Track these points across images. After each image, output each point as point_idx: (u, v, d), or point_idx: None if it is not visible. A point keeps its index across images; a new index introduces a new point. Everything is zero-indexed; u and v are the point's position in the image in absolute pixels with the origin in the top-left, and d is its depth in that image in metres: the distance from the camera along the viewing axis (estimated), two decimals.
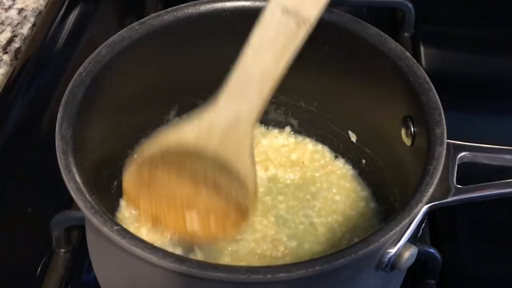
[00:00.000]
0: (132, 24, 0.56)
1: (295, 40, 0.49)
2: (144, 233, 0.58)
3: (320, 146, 0.66)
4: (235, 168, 0.51)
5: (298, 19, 0.48)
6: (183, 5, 0.58)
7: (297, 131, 0.67)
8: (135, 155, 0.53)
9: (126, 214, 0.60)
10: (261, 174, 0.62)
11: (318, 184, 0.63)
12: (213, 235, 0.53)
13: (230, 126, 0.50)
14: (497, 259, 0.65)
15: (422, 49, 0.82)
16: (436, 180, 0.47)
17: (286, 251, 0.57)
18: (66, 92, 0.51)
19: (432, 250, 0.60)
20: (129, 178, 0.52)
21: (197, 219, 0.53)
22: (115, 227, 0.44)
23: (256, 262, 0.55)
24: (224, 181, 0.52)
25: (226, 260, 0.55)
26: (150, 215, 0.53)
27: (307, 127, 0.66)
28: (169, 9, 0.58)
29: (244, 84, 0.49)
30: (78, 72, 0.52)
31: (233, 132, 0.50)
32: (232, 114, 0.50)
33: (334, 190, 0.62)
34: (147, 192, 0.52)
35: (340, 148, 0.65)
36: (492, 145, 0.53)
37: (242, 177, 0.51)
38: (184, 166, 0.52)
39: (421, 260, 0.55)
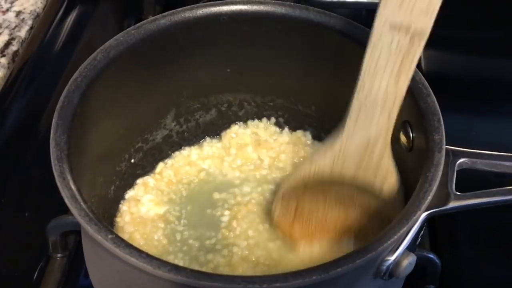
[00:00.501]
0: (128, 29, 0.56)
1: (411, 55, 0.47)
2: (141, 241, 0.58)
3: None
4: (377, 188, 0.53)
5: (411, 33, 0.46)
6: (180, 9, 0.57)
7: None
8: (281, 191, 0.55)
9: (126, 218, 0.60)
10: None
11: None
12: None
13: (363, 151, 0.51)
14: (496, 264, 0.64)
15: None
16: (435, 188, 0.46)
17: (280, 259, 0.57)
18: (61, 98, 0.51)
19: (431, 256, 0.60)
20: (279, 211, 0.55)
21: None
22: (110, 236, 0.43)
23: (249, 269, 0.55)
24: (366, 199, 0.54)
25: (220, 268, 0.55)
26: (302, 237, 0.56)
27: (304, 130, 0.66)
28: (166, 13, 0.57)
29: (367, 108, 0.49)
30: (73, 77, 0.52)
31: (368, 156, 0.51)
32: (361, 139, 0.50)
33: None
34: (299, 221, 0.55)
35: None
36: (491, 149, 0.53)
37: (385, 194, 0.53)
38: (328, 191, 0.54)
39: (420, 266, 0.54)
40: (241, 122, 0.66)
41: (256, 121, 0.66)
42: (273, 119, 0.66)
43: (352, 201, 0.54)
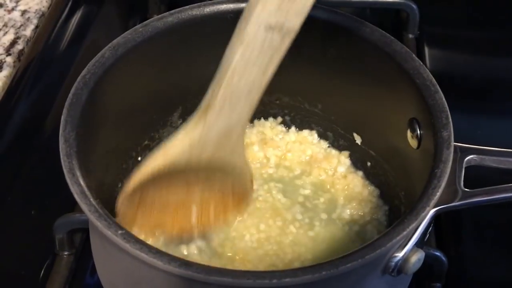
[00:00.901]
0: (136, 26, 0.56)
1: (280, 51, 0.48)
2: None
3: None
4: (230, 167, 0.53)
5: (283, 32, 0.47)
6: (187, 7, 0.58)
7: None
8: (126, 184, 0.52)
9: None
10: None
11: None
12: (214, 222, 0.56)
13: (222, 138, 0.51)
14: (503, 262, 0.64)
15: (426, 50, 0.82)
16: (443, 184, 0.46)
17: (289, 254, 0.57)
18: (70, 95, 0.51)
19: (437, 253, 0.60)
20: (122, 205, 0.53)
21: (196, 213, 0.55)
22: (120, 231, 0.43)
23: (257, 262, 0.55)
24: (217, 179, 0.54)
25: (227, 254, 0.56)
26: (148, 228, 0.54)
27: (310, 129, 0.66)
28: (173, 11, 0.57)
29: (232, 99, 0.49)
30: (81, 74, 0.52)
31: (226, 141, 0.51)
32: (223, 127, 0.50)
33: (340, 193, 0.62)
34: (142, 211, 0.54)
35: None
36: (497, 147, 0.53)
37: (237, 173, 0.54)
38: (175, 179, 0.53)
39: (426, 263, 0.54)
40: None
41: (262, 120, 0.67)
42: (279, 118, 0.67)
43: (204, 182, 0.54)
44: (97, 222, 0.44)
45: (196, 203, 0.55)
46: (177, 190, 0.54)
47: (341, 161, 0.64)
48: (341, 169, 0.63)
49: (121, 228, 0.44)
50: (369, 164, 0.63)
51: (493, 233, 0.66)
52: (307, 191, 0.62)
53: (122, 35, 0.55)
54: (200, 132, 0.50)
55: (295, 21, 0.47)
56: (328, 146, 0.65)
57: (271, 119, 0.67)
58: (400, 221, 0.45)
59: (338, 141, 0.65)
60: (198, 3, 0.58)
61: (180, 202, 0.55)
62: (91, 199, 0.45)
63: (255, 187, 0.61)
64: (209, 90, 0.49)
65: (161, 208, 0.54)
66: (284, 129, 0.66)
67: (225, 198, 0.56)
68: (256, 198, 0.60)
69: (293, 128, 0.66)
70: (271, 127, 0.66)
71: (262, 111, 0.66)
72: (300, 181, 0.63)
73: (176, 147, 0.51)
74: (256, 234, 0.57)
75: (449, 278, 0.61)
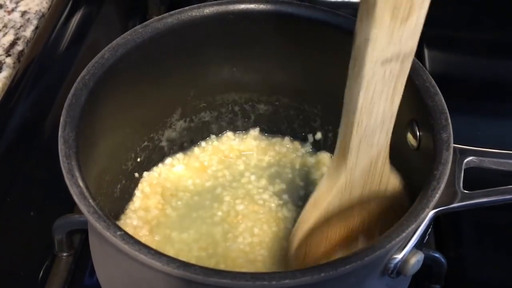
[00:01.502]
0: (136, 27, 0.56)
1: (402, 75, 0.46)
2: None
3: (323, 152, 0.66)
4: (381, 193, 0.53)
5: (401, 58, 0.44)
6: (187, 8, 0.58)
7: (298, 136, 0.67)
8: (292, 243, 0.54)
9: (132, 216, 0.60)
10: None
11: None
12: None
13: (367, 173, 0.50)
14: (502, 264, 0.64)
15: (426, 52, 0.82)
16: (442, 186, 0.46)
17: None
18: (69, 96, 0.51)
19: (437, 255, 0.60)
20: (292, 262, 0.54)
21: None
22: (119, 232, 0.43)
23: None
24: (372, 202, 0.54)
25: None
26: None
27: (309, 131, 0.66)
28: (173, 12, 0.57)
29: (367, 138, 0.48)
30: (81, 75, 0.52)
31: (371, 173, 0.51)
32: (365, 165, 0.50)
33: None
34: (309, 255, 0.55)
35: None
36: (497, 148, 0.53)
37: (390, 193, 0.53)
38: (334, 219, 0.53)
39: (425, 265, 0.54)
40: (243, 131, 0.67)
41: (257, 129, 0.67)
42: (276, 126, 0.67)
43: (358, 214, 0.54)
44: (96, 223, 0.44)
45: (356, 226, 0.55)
46: (337, 227, 0.54)
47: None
48: None
49: (120, 229, 0.44)
50: None
51: (492, 234, 0.66)
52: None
53: (122, 36, 0.55)
54: (344, 177, 0.50)
55: (410, 44, 0.44)
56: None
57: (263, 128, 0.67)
58: (399, 223, 0.45)
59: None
60: (198, 4, 0.58)
61: (342, 235, 0.55)
62: (90, 200, 0.45)
63: (255, 180, 0.62)
64: (340, 134, 0.49)
65: (324, 246, 0.55)
66: (279, 138, 0.67)
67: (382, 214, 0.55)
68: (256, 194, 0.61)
69: (287, 138, 0.67)
70: (266, 137, 0.67)
71: (261, 113, 0.66)
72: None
73: (325, 198, 0.51)
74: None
75: (448, 279, 0.61)
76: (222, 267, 0.56)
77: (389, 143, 0.50)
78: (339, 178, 0.49)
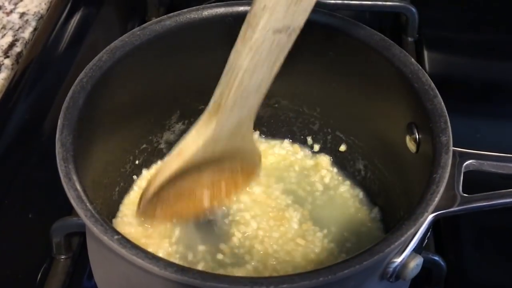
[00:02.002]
0: (134, 30, 0.56)
1: (287, 46, 0.49)
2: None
3: (322, 154, 0.66)
4: (240, 151, 0.55)
5: (289, 31, 0.48)
6: (185, 10, 0.57)
7: (298, 139, 0.67)
8: (146, 195, 0.54)
9: (128, 219, 0.60)
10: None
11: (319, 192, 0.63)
12: (225, 198, 0.58)
13: (234, 131, 0.52)
14: (502, 267, 0.64)
15: (425, 54, 0.82)
16: (442, 189, 0.46)
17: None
18: (67, 98, 0.51)
19: (436, 258, 0.60)
20: (143, 208, 0.55)
21: (209, 195, 0.57)
22: (116, 236, 0.43)
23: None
24: (227, 161, 0.55)
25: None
26: (166, 219, 0.57)
27: (308, 133, 0.66)
28: (171, 14, 0.57)
29: (242, 97, 0.50)
30: (79, 78, 0.52)
31: (237, 133, 0.52)
32: (234, 123, 0.51)
33: (337, 198, 0.62)
34: (160, 207, 0.55)
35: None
36: (496, 151, 0.52)
37: (248, 154, 0.56)
38: (189, 173, 0.54)
39: (425, 268, 0.54)
40: None
41: (256, 132, 0.67)
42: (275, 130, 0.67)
43: (214, 168, 0.55)
44: (93, 227, 0.44)
45: (207, 186, 0.57)
46: (190, 181, 0.55)
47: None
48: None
49: (118, 233, 0.44)
50: (367, 167, 0.63)
51: (492, 237, 0.66)
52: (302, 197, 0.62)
53: (120, 38, 0.55)
54: (213, 131, 0.51)
55: (300, 19, 0.48)
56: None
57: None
58: (398, 227, 0.45)
59: (336, 144, 0.65)
60: (197, 7, 0.58)
61: (193, 189, 0.56)
62: (88, 204, 0.45)
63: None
64: (217, 91, 0.50)
65: (176, 199, 0.56)
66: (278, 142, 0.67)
67: (234, 176, 0.57)
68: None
69: (286, 141, 0.67)
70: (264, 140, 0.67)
71: (261, 116, 0.66)
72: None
73: (190, 149, 0.52)
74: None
75: (448, 282, 0.61)
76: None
77: (258, 107, 0.52)
78: (207, 130, 0.51)
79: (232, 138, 0.52)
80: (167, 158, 0.53)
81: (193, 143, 0.51)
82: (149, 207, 0.55)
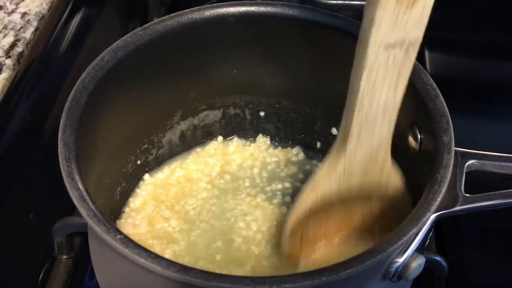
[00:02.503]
0: (136, 30, 0.56)
1: (407, 64, 0.46)
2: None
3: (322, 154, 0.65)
4: (382, 189, 0.52)
5: (405, 45, 0.45)
6: (187, 10, 0.57)
7: (297, 138, 0.67)
8: (287, 226, 0.53)
9: (132, 220, 0.60)
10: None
11: None
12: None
13: (367, 163, 0.50)
14: (503, 268, 0.64)
15: (426, 54, 0.82)
16: (444, 189, 0.46)
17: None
18: (69, 98, 0.51)
19: (437, 258, 0.60)
20: (288, 245, 0.54)
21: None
22: (118, 236, 0.43)
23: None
24: (372, 203, 0.54)
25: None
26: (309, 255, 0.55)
27: (308, 132, 0.66)
28: (173, 14, 0.57)
29: (368, 124, 0.48)
30: (81, 77, 0.52)
31: (372, 165, 0.51)
32: (365, 153, 0.50)
33: None
34: (305, 243, 0.54)
35: None
36: (497, 152, 0.52)
37: (390, 193, 0.53)
38: (330, 208, 0.53)
39: (426, 268, 0.54)
40: (242, 133, 0.67)
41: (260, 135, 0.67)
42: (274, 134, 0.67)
43: (357, 208, 0.54)
44: (95, 227, 0.44)
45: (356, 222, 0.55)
46: (335, 218, 0.54)
47: None
48: None
49: (120, 232, 0.44)
50: None
51: (493, 238, 0.66)
52: None
53: (122, 38, 0.55)
54: (344, 162, 0.49)
55: (417, 32, 0.45)
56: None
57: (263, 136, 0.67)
58: (400, 227, 0.45)
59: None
60: (198, 7, 0.58)
61: (341, 229, 0.55)
62: (90, 204, 0.45)
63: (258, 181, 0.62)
64: (343, 120, 0.49)
65: (322, 235, 0.55)
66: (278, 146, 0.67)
67: (384, 211, 0.54)
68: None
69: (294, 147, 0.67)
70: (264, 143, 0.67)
71: (262, 116, 0.66)
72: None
73: (323, 183, 0.51)
74: None
75: (449, 283, 0.61)
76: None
77: (391, 137, 0.50)
78: (338, 163, 0.49)
79: (367, 171, 0.51)
80: (300, 195, 0.52)
81: (325, 176, 0.50)
82: (294, 244, 0.54)
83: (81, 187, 0.46)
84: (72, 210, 0.63)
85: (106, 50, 0.54)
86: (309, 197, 0.52)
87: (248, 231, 0.59)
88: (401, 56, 0.45)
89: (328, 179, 0.50)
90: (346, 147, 0.49)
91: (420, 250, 0.48)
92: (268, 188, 0.63)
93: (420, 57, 0.79)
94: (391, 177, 0.52)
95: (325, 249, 0.55)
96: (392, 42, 0.44)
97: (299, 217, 0.52)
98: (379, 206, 0.54)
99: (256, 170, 0.64)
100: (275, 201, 0.61)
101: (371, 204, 0.54)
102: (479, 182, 0.51)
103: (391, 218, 0.54)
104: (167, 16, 0.57)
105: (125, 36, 0.55)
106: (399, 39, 0.44)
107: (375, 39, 0.44)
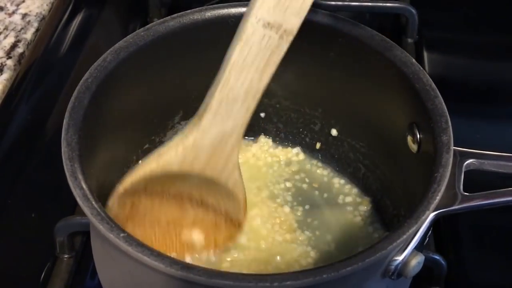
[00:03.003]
0: (138, 30, 0.56)
1: (278, 52, 0.49)
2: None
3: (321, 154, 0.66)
4: (222, 182, 0.52)
5: (281, 32, 0.48)
6: (189, 11, 0.58)
7: (297, 138, 0.67)
8: (118, 187, 0.52)
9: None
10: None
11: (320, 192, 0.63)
12: (206, 247, 0.55)
13: (217, 145, 0.50)
14: (502, 266, 0.64)
15: (425, 55, 0.82)
16: (443, 188, 0.47)
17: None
18: (72, 98, 0.51)
19: (437, 257, 0.60)
20: (112, 210, 0.52)
21: (187, 237, 0.54)
22: (122, 234, 0.44)
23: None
24: (211, 196, 0.53)
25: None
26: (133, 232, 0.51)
27: (308, 133, 0.66)
28: (175, 15, 0.58)
29: (228, 102, 0.49)
30: (84, 78, 0.52)
31: (220, 150, 0.51)
32: (217, 134, 0.50)
33: (338, 198, 0.63)
34: (131, 223, 0.53)
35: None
36: (496, 151, 0.53)
37: (230, 189, 0.53)
38: (168, 190, 0.52)
39: (425, 267, 0.54)
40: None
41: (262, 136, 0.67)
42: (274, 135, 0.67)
43: (197, 199, 0.53)
44: (99, 226, 0.44)
45: (187, 224, 0.54)
46: (169, 207, 0.53)
47: None
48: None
49: (123, 231, 0.44)
50: (367, 167, 0.63)
51: (492, 237, 0.66)
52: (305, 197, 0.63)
53: (124, 39, 0.56)
54: (194, 136, 0.50)
55: (293, 22, 0.48)
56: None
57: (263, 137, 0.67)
58: (400, 225, 0.45)
59: (336, 144, 0.65)
60: (200, 8, 0.58)
61: (171, 221, 0.54)
62: (93, 203, 0.46)
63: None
64: (207, 94, 0.50)
65: (151, 224, 0.54)
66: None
67: (217, 219, 0.55)
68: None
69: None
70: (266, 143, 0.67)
71: (262, 117, 0.66)
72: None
73: (170, 151, 0.50)
74: None
75: (448, 282, 0.61)
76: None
77: (244, 128, 0.50)
78: (189, 135, 0.50)
79: (214, 156, 0.50)
80: (146, 159, 0.51)
81: (173, 145, 0.50)
82: (120, 211, 0.52)
83: (84, 186, 0.46)
84: (73, 209, 0.64)
85: (108, 51, 0.54)
86: (151, 162, 0.50)
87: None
88: (275, 41, 0.48)
89: (175, 148, 0.50)
90: (202, 121, 0.49)
91: (419, 248, 0.48)
92: (272, 188, 0.63)
93: (419, 58, 0.81)
94: (233, 173, 0.52)
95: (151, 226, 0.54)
96: (271, 21, 0.47)
97: (136, 178, 0.51)
98: (214, 205, 0.53)
99: (255, 166, 0.64)
100: (278, 200, 0.62)
101: (207, 199, 0.53)
102: (477, 181, 0.51)
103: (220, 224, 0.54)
104: (169, 17, 0.57)
105: (127, 36, 0.56)
106: (277, 22, 0.47)
107: (256, 13, 0.47)
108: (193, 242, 0.55)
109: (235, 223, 0.55)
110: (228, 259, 0.56)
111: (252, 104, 0.50)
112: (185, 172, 0.51)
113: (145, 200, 0.53)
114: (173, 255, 0.51)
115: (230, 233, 0.56)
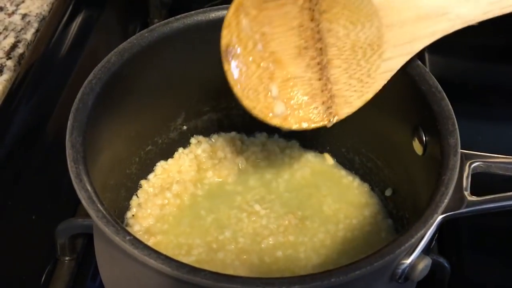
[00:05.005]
0: (142, 31, 0.56)
1: None
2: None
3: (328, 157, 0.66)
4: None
5: None
6: (193, 12, 0.58)
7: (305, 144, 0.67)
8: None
9: (133, 223, 0.60)
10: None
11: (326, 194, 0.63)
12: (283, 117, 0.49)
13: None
14: (504, 269, 0.65)
15: (427, 56, 0.82)
16: (451, 191, 0.47)
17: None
18: (76, 100, 0.51)
19: (440, 260, 0.60)
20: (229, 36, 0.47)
21: (275, 89, 0.49)
22: (128, 237, 0.43)
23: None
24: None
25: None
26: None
27: (314, 139, 0.66)
28: (178, 16, 0.57)
29: None
30: (88, 79, 0.52)
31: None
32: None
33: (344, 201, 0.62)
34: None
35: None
36: (499, 153, 0.53)
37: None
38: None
39: (429, 270, 0.54)
40: (246, 133, 0.67)
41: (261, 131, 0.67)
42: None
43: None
44: (105, 228, 0.44)
45: (286, 79, 0.48)
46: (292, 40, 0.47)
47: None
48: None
49: (129, 234, 0.44)
50: (372, 170, 0.63)
51: (494, 240, 0.66)
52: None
53: (128, 40, 0.55)
54: None
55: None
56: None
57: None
58: (408, 228, 0.45)
59: (341, 147, 0.65)
60: (203, 9, 0.58)
61: (278, 61, 0.49)
62: (99, 205, 0.45)
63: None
64: None
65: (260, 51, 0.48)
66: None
67: (323, 91, 0.48)
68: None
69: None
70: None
71: None
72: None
73: None
74: None
75: (451, 285, 0.61)
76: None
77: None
78: None
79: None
80: None
81: None
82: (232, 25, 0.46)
83: (89, 188, 0.46)
84: (74, 211, 0.63)
85: (112, 52, 0.54)
86: None
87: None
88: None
89: None
90: None
91: (426, 251, 0.48)
92: (273, 183, 0.63)
93: (420, 59, 0.80)
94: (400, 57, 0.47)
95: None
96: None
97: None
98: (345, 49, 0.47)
99: (255, 166, 0.64)
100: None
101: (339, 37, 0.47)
102: (484, 184, 0.51)
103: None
104: (173, 18, 0.57)
105: (131, 38, 0.56)
106: None
107: None
108: (276, 99, 0.50)
109: (327, 115, 0.49)
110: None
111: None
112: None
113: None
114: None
115: (313, 118, 0.50)
